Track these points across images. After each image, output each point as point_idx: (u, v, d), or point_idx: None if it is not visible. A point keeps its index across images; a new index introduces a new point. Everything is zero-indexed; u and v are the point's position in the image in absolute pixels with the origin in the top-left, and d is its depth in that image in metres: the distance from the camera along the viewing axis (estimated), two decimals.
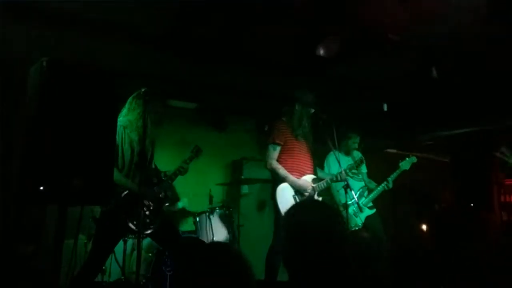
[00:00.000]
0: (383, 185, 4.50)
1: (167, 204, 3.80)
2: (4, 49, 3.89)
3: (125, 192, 3.09)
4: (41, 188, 1.84)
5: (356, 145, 4.72)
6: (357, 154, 4.68)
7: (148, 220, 3.17)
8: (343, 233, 1.54)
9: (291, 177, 3.70)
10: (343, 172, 3.77)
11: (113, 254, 3.73)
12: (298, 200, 3.68)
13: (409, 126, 5.79)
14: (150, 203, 3.24)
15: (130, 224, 3.04)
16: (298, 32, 3.35)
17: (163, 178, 3.44)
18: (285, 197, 3.68)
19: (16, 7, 3.17)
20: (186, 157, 3.62)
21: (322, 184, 3.78)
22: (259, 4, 3.16)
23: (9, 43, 3.81)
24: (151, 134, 3.22)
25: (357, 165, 4.13)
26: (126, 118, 3.21)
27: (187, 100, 5.39)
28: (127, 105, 3.26)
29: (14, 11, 3.24)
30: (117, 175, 2.84)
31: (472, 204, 5.21)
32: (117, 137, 2.67)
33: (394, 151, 6.32)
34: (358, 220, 4.28)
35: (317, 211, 1.57)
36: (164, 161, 3.72)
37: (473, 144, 5.45)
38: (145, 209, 3.15)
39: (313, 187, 3.74)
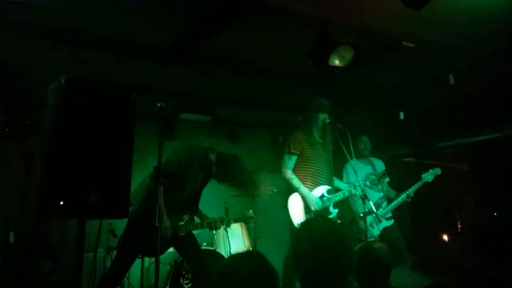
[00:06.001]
0: (403, 196, 4.37)
1: None
2: (22, 68, 3.99)
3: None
4: (61, 203, 1.88)
5: (368, 151, 4.64)
6: (379, 165, 4.60)
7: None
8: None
9: (303, 189, 3.68)
10: (361, 183, 3.72)
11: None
12: (308, 211, 3.65)
13: (428, 135, 5.70)
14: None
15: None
16: (310, 42, 3.35)
17: None
18: (297, 207, 3.66)
19: (32, 27, 3.26)
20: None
21: (338, 196, 3.74)
22: (270, 16, 3.19)
23: (28, 62, 3.91)
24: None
25: (379, 178, 4.08)
26: None
27: (201, 113, 5.43)
28: None
29: (31, 31, 3.33)
30: None
31: (495, 213, 5.09)
32: None
33: (412, 159, 6.24)
34: (375, 231, 4.19)
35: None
36: None
37: (495, 150, 5.31)
38: None
39: (328, 198, 3.70)
